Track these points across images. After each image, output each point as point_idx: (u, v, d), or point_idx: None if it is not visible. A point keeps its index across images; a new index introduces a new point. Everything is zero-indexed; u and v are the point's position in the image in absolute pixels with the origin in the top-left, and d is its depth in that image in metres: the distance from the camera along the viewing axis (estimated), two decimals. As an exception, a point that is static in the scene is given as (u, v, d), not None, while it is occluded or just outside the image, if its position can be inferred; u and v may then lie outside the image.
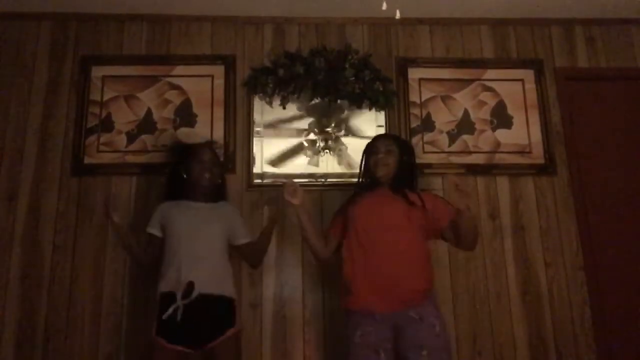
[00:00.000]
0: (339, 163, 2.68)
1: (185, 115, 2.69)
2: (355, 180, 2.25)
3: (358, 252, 2.00)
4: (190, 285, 1.99)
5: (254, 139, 2.68)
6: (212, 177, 2.25)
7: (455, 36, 2.91)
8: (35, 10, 2.74)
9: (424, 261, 2.01)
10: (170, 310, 1.96)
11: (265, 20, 2.84)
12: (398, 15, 2.01)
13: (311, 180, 2.64)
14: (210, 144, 2.48)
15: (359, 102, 2.70)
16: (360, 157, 2.22)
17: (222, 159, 2.57)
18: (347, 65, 2.70)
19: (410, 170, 2.18)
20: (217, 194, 2.31)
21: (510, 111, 2.81)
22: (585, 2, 2.81)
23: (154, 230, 2.21)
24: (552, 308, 2.56)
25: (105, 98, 2.69)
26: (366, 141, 2.26)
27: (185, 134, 2.65)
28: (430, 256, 2.06)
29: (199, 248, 2.09)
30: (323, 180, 2.65)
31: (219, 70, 2.74)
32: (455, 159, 2.73)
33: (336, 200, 2.55)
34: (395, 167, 2.12)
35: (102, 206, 2.51)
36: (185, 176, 2.25)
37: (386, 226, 1.99)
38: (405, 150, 2.19)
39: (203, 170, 2.22)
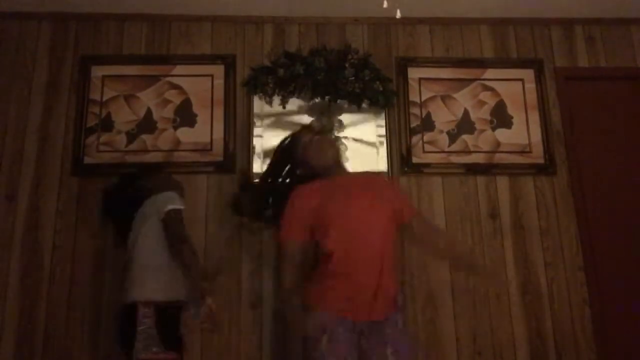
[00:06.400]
0: (339, 163, 2.67)
1: (185, 115, 2.68)
2: None
3: (335, 253, 1.84)
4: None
5: (254, 138, 2.67)
6: None
7: (455, 36, 2.90)
8: (35, 10, 2.74)
9: (395, 261, 1.94)
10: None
11: (265, 20, 2.84)
12: (398, 15, 2.01)
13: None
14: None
15: (358, 101, 2.70)
16: (280, 156, 2.17)
17: (222, 158, 2.60)
18: (347, 65, 2.70)
19: None
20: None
21: (510, 111, 2.81)
22: (585, 2, 2.81)
23: None
24: (552, 308, 2.56)
25: (105, 98, 2.68)
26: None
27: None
28: (395, 250, 1.96)
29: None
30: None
31: (219, 70, 2.74)
32: (455, 159, 2.73)
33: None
34: (338, 149, 2.03)
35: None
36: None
37: (360, 226, 1.87)
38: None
39: None
